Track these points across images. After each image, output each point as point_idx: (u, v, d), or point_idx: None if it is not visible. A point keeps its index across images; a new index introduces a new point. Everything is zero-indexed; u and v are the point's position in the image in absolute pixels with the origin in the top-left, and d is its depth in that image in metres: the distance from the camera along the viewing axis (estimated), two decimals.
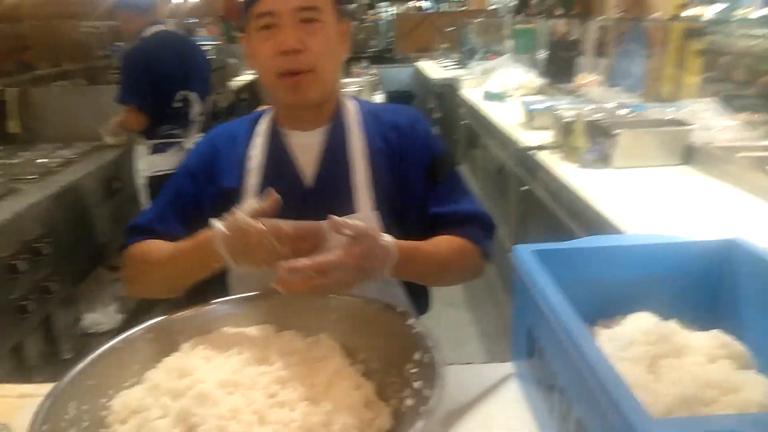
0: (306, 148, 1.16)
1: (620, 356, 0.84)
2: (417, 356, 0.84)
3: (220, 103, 4.16)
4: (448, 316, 3.23)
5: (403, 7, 9.11)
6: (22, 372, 2.27)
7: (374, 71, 5.09)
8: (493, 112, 3.61)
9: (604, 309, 0.99)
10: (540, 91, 4.02)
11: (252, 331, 0.95)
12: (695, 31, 2.81)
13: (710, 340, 0.88)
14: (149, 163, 2.96)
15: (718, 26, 2.80)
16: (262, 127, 1.18)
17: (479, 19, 6.40)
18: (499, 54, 5.04)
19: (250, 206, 0.94)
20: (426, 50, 7.50)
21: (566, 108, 2.73)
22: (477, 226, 1.17)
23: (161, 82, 2.88)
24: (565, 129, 2.42)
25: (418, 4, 9.38)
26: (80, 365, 0.82)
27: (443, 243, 1.12)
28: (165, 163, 2.92)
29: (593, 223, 1.87)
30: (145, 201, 2.99)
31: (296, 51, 1.04)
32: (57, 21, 4.00)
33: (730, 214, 1.71)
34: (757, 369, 0.86)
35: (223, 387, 0.79)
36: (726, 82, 2.76)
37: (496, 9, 6.51)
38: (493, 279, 3.61)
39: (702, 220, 1.66)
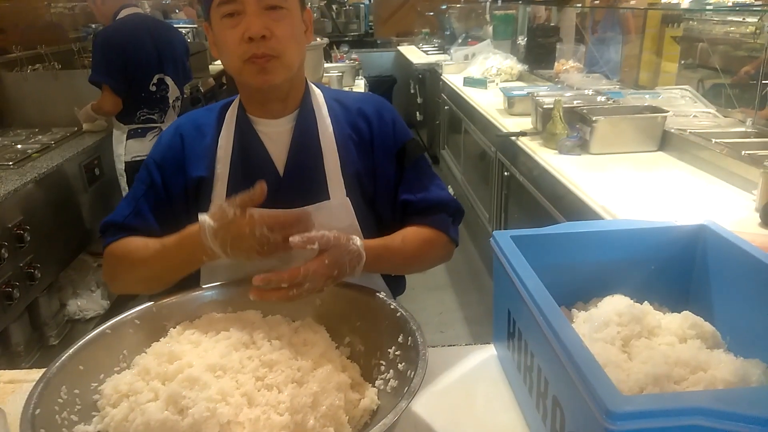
0: (275, 136, 1.15)
1: (595, 337, 0.88)
2: (401, 339, 0.87)
3: (201, 88, 4.12)
4: (434, 301, 3.27)
5: None
6: (8, 359, 2.27)
7: (355, 56, 5.06)
8: (474, 97, 3.63)
9: (581, 292, 1.02)
10: (520, 77, 4.05)
11: (239, 315, 0.97)
12: (672, 18, 2.86)
13: (681, 321, 0.92)
14: (127, 148, 2.94)
15: (695, 13, 2.85)
16: (230, 116, 1.17)
17: (459, 5, 6.39)
18: (479, 39, 5.05)
19: (239, 197, 0.94)
20: (406, 35, 7.48)
21: (545, 95, 2.77)
22: (445, 213, 1.20)
23: (133, 63, 2.83)
24: (544, 115, 2.45)
25: None
26: (70, 350, 0.83)
27: (411, 236, 1.15)
28: (143, 148, 2.89)
29: (573, 207, 1.91)
30: (125, 186, 2.97)
31: (262, 37, 1.03)
32: (30, 3, 3.91)
33: (703, 199, 1.76)
34: (726, 348, 0.90)
35: (212, 370, 0.81)
36: (702, 68, 2.82)
37: None
38: (477, 264, 3.66)
39: (676, 205, 1.71)
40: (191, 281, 1.09)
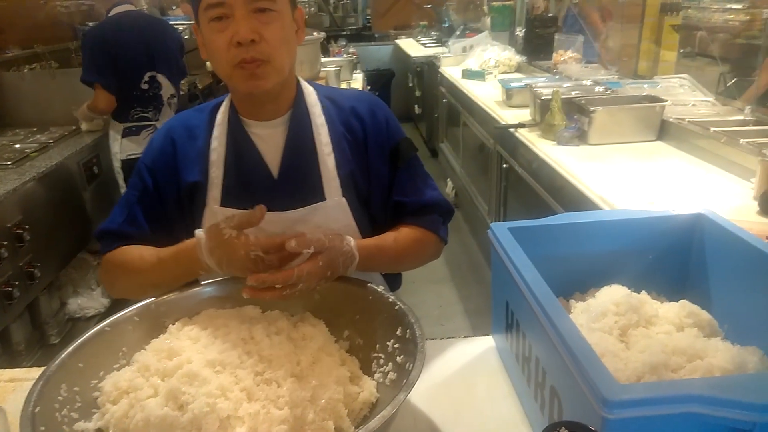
0: (268, 139, 1.13)
1: (593, 327, 0.88)
2: (399, 332, 0.87)
3: (198, 85, 4.11)
4: (434, 294, 3.28)
5: None
6: (9, 358, 2.27)
7: (352, 50, 5.05)
8: (472, 89, 3.62)
9: (579, 283, 1.03)
10: (518, 69, 4.04)
11: (238, 311, 0.97)
12: (671, 6, 2.84)
13: (678, 310, 0.93)
14: (122, 147, 2.93)
15: (693, 1, 2.84)
16: (222, 118, 1.14)
17: None
18: (477, 31, 5.04)
19: (236, 218, 0.94)
20: (404, 28, 7.45)
21: (544, 86, 2.76)
22: (437, 214, 1.21)
23: (121, 61, 2.82)
24: (543, 107, 2.45)
25: None
26: (70, 348, 0.83)
27: (403, 236, 1.16)
28: (138, 146, 2.89)
29: (572, 198, 1.91)
30: (123, 184, 2.97)
31: (251, 41, 0.99)
32: (26, 1, 3.89)
33: (701, 188, 1.76)
34: (723, 336, 0.90)
35: (211, 366, 0.81)
36: (701, 57, 2.81)
37: None
38: (477, 257, 3.66)
39: (675, 194, 1.71)
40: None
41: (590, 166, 1.99)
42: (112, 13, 2.93)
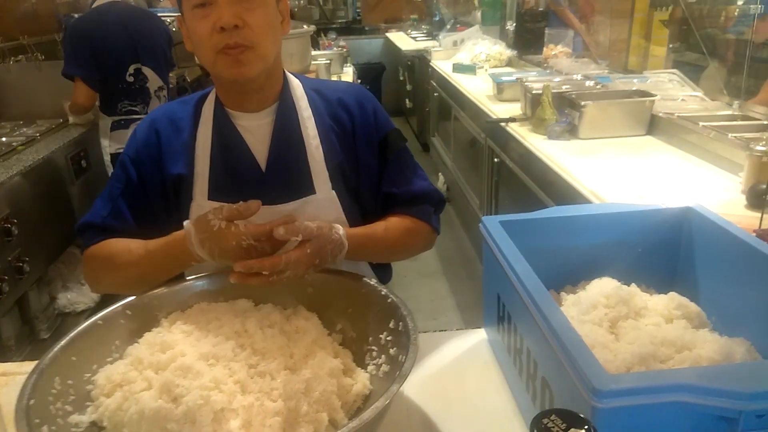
0: (255, 130, 1.12)
1: (583, 319, 0.89)
2: (392, 325, 0.87)
3: (187, 77, 4.08)
4: (426, 288, 3.29)
5: None
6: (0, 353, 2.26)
7: (343, 43, 5.03)
8: (463, 84, 3.63)
9: (570, 276, 1.04)
10: (509, 63, 4.05)
11: (231, 305, 0.97)
12: (660, 1, 2.86)
13: (667, 302, 0.94)
14: (111, 140, 2.91)
15: None
16: (207, 109, 1.13)
17: None
18: (468, 25, 5.04)
19: (225, 209, 0.93)
20: (395, 21, 7.44)
21: (534, 80, 2.77)
22: (427, 204, 1.21)
23: (103, 54, 2.77)
24: (533, 101, 2.46)
25: None
26: (63, 342, 0.83)
27: (393, 225, 1.15)
28: (126, 140, 2.86)
29: (562, 192, 1.93)
30: None
31: (235, 27, 0.98)
32: None
33: (690, 182, 1.78)
34: (711, 327, 0.92)
35: (205, 359, 0.82)
36: (690, 52, 2.83)
37: None
38: (469, 251, 3.68)
39: (664, 188, 1.73)
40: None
41: (581, 161, 2.00)
42: (96, 4, 2.90)
